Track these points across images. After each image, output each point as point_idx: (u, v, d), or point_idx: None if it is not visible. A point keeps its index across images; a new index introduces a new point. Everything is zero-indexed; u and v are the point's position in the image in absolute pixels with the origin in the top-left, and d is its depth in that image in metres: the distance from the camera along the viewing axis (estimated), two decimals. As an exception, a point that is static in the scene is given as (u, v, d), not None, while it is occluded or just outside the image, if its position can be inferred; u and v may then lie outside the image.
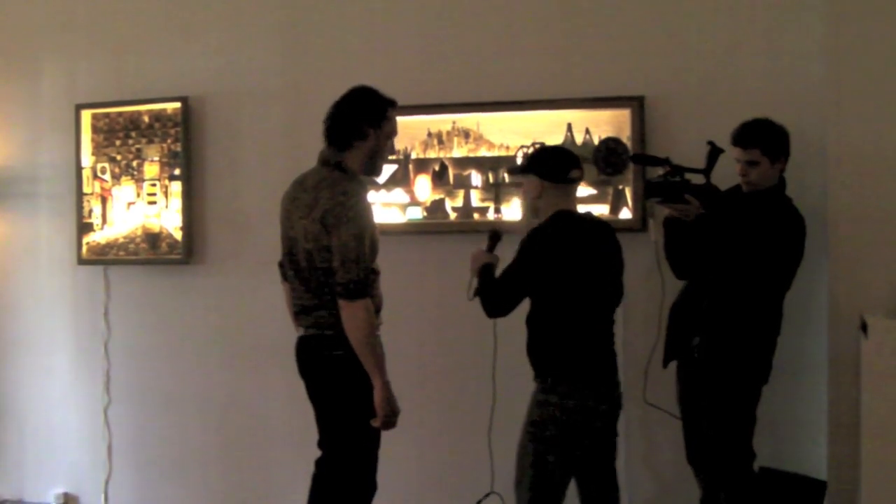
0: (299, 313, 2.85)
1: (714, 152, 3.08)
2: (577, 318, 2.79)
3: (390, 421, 2.74)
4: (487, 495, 3.28)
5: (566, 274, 2.76)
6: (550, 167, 2.86)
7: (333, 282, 2.69)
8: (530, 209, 2.93)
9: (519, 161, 3.57)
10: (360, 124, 2.79)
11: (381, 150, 2.86)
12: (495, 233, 3.00)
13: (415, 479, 3.81)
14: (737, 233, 3.01)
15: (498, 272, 2.88)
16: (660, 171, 3.14)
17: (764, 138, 3.04)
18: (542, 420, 2.79)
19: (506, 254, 2.92)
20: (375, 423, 2.72)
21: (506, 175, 3.62)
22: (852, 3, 3.11)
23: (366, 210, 2.76)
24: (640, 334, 3.45)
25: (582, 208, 3.54)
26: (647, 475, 3.62)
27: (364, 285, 2.68)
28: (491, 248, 2.97)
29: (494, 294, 2.82)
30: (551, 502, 2.82)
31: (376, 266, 2.82)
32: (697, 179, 3.10)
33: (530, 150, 3.50)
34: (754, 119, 3.08)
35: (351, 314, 2.67)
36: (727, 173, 3.12)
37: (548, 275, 2.76)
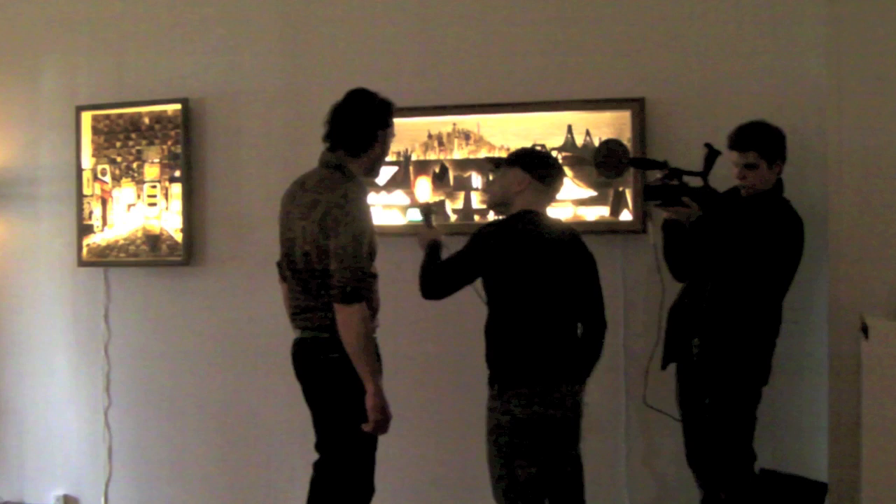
0: (296, 314, 2.84)
1: (711, 155, 3.08)
2: (525, 325, 2.75)
3: (382, 426, 2.72)
4: None
5: (508, 274, 2.74)
6: (540, 166, 2.87)
7: (330, 284, 2.69)
8: (500, 202, 2.91)
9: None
10: (373, 129, 2.81)
11: (384, 152, 2.89)
12: (426, 207, 3.06)
13: (415, 481, 3.80)
14: (735, 235, 3.01)
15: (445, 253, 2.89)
16: (658, 174, 3.15)
17: (760, 141, 3.04)
18: (495, 428, 2.77)
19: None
20: (367, 427, 2.70)
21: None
22: (853, 3, 3.11)
23: (365, 213, 2.75)
24: (641, 336, 3.45)
25: (581, 211, 3.57)
26: (647, 477, 3.61)
27: (360, 289, 2.67)
28: (428, 224, 3.00)
29: (434, 275, 2.80)
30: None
31: (374, 269, 2.81)
32: (696, 182, 3.10)
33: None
34: (750, 122, 3.08)
35: (346, 318, 2.66)
36: (727, 175, 3.12)
37: (492, 270, 2.75)
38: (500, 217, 2.90)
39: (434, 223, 3.04)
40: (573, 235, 2.90)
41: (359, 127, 2.80)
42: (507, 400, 2.74)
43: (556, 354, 2.78)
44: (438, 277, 2.79)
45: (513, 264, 2.74)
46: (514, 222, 2.81)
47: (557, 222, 2.95)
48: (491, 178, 3.65)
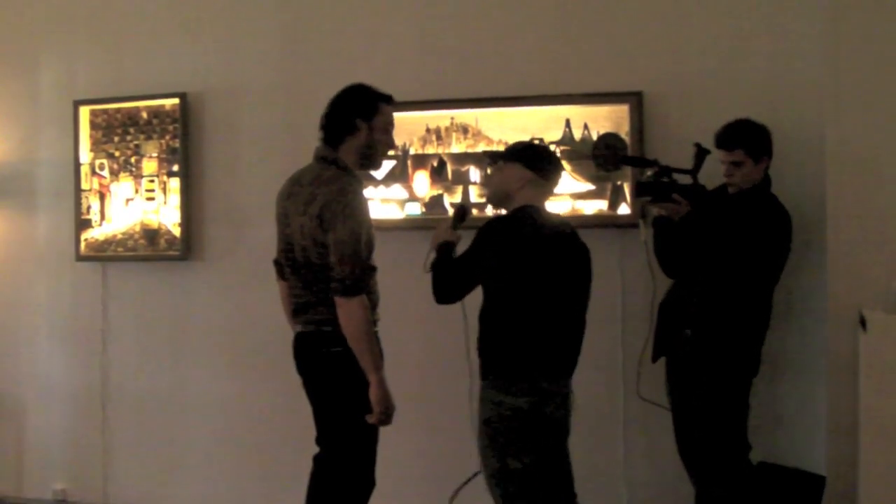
0: (297, 310, 2.84)
1: (701, 153, 3.13)
2: (522, 316, 2.72)
3: (385, 418, 2.73)
4: (476, 474, 3.22)
5: (516, 269, 2.71)
6: (541, 161, 2.82)
7: (330, 278, 2.69)
8: (501, 198, 2.86)
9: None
10: (351, 118, 2.78)
11: (375, 144, 2.82)
12: (462, 209, 2.94)
13: (415, 475, 3.80)
14: (723, 230, 3.04)
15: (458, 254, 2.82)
16: (649, 171, 3.19)
17: (746, 139, 3.07)
18: (490, 418, 2.74)
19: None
20: (371, 419, 2.71)
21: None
22: (852, 2, 3.11)
23: (362, 206, 2.74)
24: (638, 330, 3.45)
25: (579, 204, 3.57)
26: (645, 471, 3.61)
27: (360, 282, 2.68)
28: (455, 225, 2.89)
29: (443, 280, 2.76)
30: (523, 493, 2.76)
31: (373, 262, 2.81)
32: (686, 180, 3.13)
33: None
34: (736, 120, 3.12)
35: (347, 311, 2.67)
36: (718, 173, 3.14)
37: (498, 266, 2.71)
38: (502, 213, 2.88)
39: (459, 227, 2.90)
40: (573, 232, 2.88)
41: (334, 115, 2.80)
42: (503, 391, 2.72)
43: (554, 348, 2.77)
44: (449, 282, 2.76)
45: (519, 259, 2.71)
46: (518, 218, 2.78)
47: (558, 217, 2.94)
48: (489, 171, 3.64)
